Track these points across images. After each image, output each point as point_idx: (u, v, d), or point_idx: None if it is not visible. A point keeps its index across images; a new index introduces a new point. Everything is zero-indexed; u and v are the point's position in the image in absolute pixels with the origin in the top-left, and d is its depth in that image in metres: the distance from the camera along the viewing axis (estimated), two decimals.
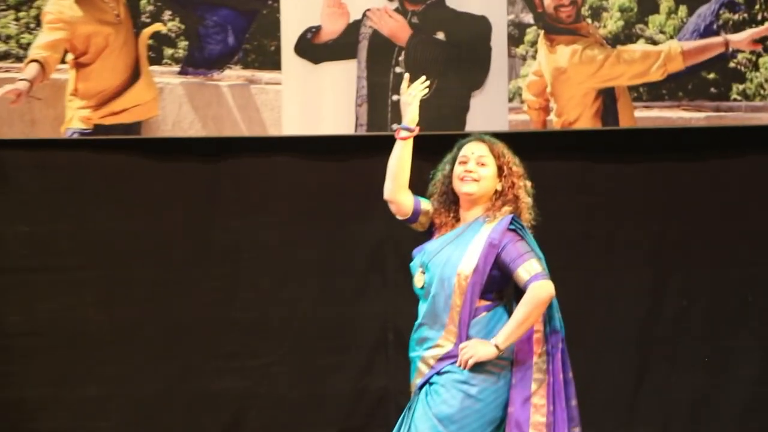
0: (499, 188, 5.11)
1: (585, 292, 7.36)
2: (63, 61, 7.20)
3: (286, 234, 6.90)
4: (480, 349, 4.97)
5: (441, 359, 5.02)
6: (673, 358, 7.40)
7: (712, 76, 7.23)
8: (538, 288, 4.92)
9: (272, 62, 7.22)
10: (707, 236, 7.32)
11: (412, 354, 5.14)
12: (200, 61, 7.23)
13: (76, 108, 7.18)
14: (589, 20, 7.22)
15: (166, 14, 7.25)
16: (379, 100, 7.26)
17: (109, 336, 7.11)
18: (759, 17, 7.23)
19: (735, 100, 7.24)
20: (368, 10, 7.14)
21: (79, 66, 7.16)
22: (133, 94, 7.19)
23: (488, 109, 6.98)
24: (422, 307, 5.08)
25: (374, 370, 7.27)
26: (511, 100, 7.19)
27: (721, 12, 7.21)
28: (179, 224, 6.87)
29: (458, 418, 4.98)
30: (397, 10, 7.18)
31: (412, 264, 5.18)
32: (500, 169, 5.09)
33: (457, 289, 5.03)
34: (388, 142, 6.88)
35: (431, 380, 5.05)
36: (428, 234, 5.23)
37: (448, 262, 5.05)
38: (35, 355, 7.19)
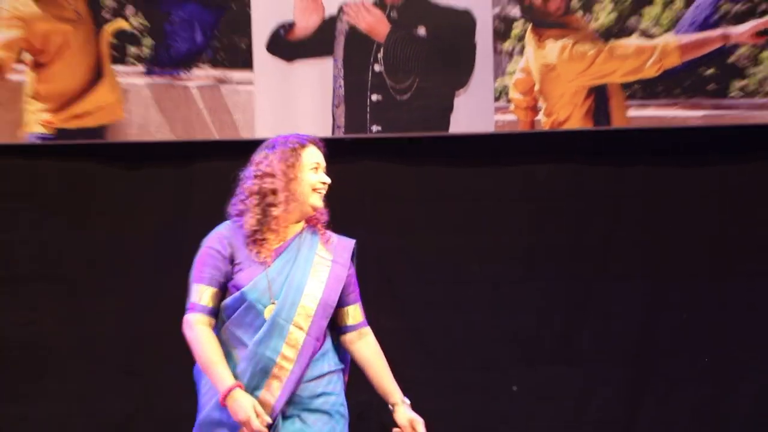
0: None
1: (577, 303, 7.13)
2: (20, 61, 7.03)
3: None
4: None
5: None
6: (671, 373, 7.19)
7: (710, 71, 7.04)
8: (373, 337, 5.06)
9: (243, 61, 7.07)
10: (708, 243, 7.18)
11: None
12: (167, 60, 7.07)
13: (35, 111, 7.04)
14: (579, 13, 7.05)
15: (129, 10, 7.06)
16: (357, 100, 7.10)
17: (69, 350, 6.96)
18: (761, 8, 7.08)
19: (735, 97, 7.10)
20: (345, 4, 7.02)
21: (37, 66, 7.00)
22: (96, 96, 7.02)
23: (473, 109, 6.86)
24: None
25: None
26: (497, 99, 7.02)
27: (720, 3, 7.03)
28: (149, 233, 6.73)
29: None
30: (375, 4, 7.04)
31: (254, 299, 4.91)
32: None
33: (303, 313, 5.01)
34: (367, 145, 7.00)
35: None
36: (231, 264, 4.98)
37: (293, 286, 4.95)
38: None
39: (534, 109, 7.02)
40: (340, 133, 7.03)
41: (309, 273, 4.90)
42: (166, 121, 7.00)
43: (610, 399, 7.22)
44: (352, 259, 5.00)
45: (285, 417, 4.95)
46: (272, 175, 4.89)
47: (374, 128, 7.06)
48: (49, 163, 6.99)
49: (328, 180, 4.96)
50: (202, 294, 4.85)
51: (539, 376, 7.30)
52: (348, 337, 5.02)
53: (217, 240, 4.87)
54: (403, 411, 4.97)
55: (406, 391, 5.11)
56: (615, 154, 7.03)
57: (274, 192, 4.87)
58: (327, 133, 6.94)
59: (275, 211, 4.85)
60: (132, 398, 7.00)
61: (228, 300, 4.86)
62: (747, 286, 7.15)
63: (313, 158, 4.89)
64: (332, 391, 4.97)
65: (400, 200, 6.75)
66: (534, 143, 7.01)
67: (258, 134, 6.94)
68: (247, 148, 6.56)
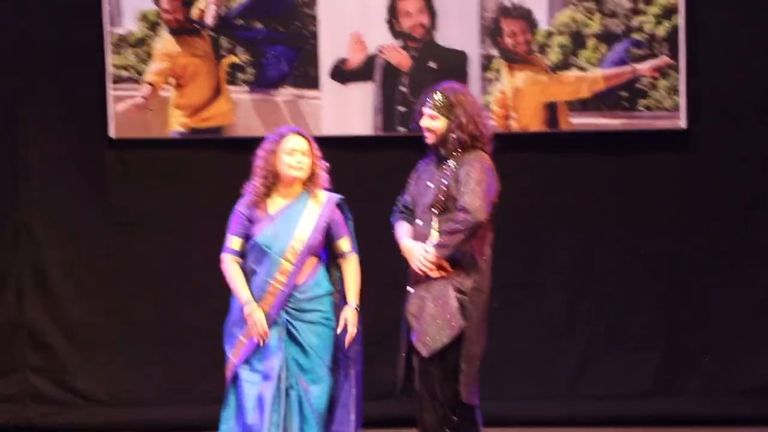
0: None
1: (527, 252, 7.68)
2: (167, 83, 7.78)
3: None
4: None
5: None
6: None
7: (624, 93, 7.76)
8: (357, 260, 5.69)
9: (314, 83, 7.75)
10: (627, 222, 7.77)
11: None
12: (263, 83, 7.74)
13: (176, 116, 7.77)
14: (537, 54, 7.75)
15: (239, 49, 7.81)
16: (389, 110, 7.77)
17: (195, 281, 7.51)
18: (656, 52, 7.73)
19: (641, 110, 7.74)
20: (381, 46, 7.73)
21: (178, 87, 7.74)
22: (216, 106, 7.75)
23: None
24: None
25: None
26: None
27: (630, 48, 7.73)
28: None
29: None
30: (402, 46, 7.75)
31: (261, 243, 5.54)
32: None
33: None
34: (397, 140, 7.60)
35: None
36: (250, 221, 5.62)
37: (287, 232, 5.56)
38: (148, 290, 7.75)
39: (507, 118, 7.75)
40: (378, 132, 7.78)
41: (298, 223, 5.59)
42: (262, 123, 7.74)
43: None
44: (341, 209, 5.63)
45: (286, 325, 5.66)
46: (260, 158, 5.65)
47: (400, 129, 7.79)
48: (185, 151, 7.87)
49: (300, 158, 5.49)
50: (232, 241, 5.67)
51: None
52: (339, 260, 5.78)
53: (242, 206, 5.67)
54: (347, 310, 5.67)
55: None
56: (562, 148, 7.81)
57: (260, 170, 5.65)
58: (369, 132, 7.74)
59: (258, 183, 5.62)
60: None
61: (248, 245, 5.68)
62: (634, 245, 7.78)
63: (288, 145, 5.55)
64: (320, 308, 5.68)
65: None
66: (507, 141, 6.78)
67: (323, 133, 7.59)
68: (316, 142, 6.40)
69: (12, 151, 7.77)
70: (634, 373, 7.70)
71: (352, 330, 5.60)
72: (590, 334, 7.79)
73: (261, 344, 5.49)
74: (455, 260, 5.63)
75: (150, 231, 7.75)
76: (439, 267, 5.65)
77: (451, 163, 5.63)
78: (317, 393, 5.58)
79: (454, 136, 5.59)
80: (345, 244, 5.71)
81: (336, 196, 5.64)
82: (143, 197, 7.76)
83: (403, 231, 5.75)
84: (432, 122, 5.68)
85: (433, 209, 5.68)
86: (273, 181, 5.58)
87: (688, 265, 7.76)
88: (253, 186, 5.60)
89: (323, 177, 5.65)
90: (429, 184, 5.71)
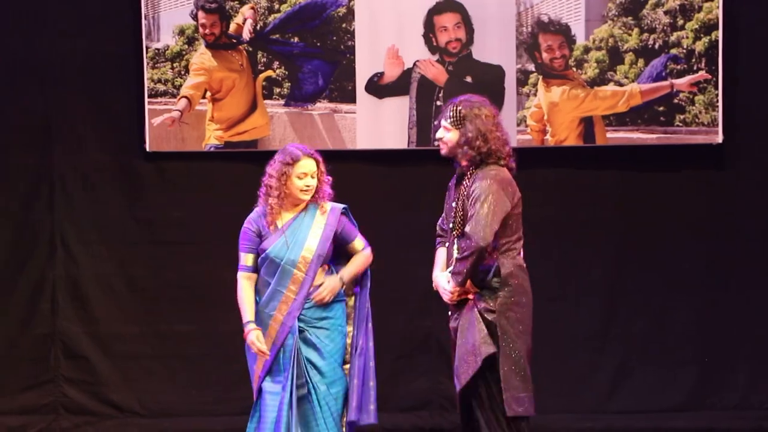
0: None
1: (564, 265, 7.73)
2: (203, 97, 7.80)
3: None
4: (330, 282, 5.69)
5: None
6: None
7: (661, 108, 7.76)
8: (371, 253, 5.82)
9: (349, 97, 7.78)
10: (662, 236, 7.78)
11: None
12: (299, 97, 7.76)
13: (212, 130, 7.79)
14: (574, 69, 7.77)
15: (275, 64, 7.82)
16: (425, 124, 7.77)
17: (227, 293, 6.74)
18: (695, 68, 7.73)
19: (678, 126, 7.74)
20: (417, 60, 7.75)
21: (214, 100, 7.77)
22: (252, 120, 7.77)
23: None
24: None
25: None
26: (518, 124, 7.73)
27: (668, 63, 7.73)
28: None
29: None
30: (438, 60, 7.75)
31: (272, 255, 5.63)
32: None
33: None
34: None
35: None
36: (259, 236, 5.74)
37: (297, 243, 5.67)
38: (182, 302, 7.84)
39: (543, 132, 7.76)
40: (413, 146, 7.80)
41: (308, 234, 5.72)
42: (297, 137, 7.75)
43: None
44: (347, 215, 5.76)
45: (299, 331, 5.76)
46: (273, 177, 5.76)
47: (436, 143, 6.52)
48: (221, 164, 7.81)
49: (312, 182, 5.66)
50: (245, 258, 5.77)
51: None
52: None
53: (250, 223, 5.78)
54: (332, 276, 5.75)
55: None
56: (598, 163, 7.85)
57: (273, 189, 5.75)
58: (404, 145, 7.77)
59: (273, 202, 5.73)
60: None
61: (260, 258, 5.78)
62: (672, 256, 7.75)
63: (300, 170, 5.70)
64: (332, 315, 5.79)
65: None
66: (543, 155, 7.74)
67: (358, 146, 7.73)
68: (350, 155, 7.51)
69: (49, 164, 7.85)
70: (669, 387, 7.73)
71: (324, 294, 5.69)
72: (624, 347, 7.81)
73: (290, 349, 5.66)
74: (480, 280, 5.64)
75: (184, 243, 7.82)
76: (466, 291, 5.67)
77: (466, 181, 5.65)
78: (334, 395, 5.70)
79: (462, 150, 5.59)
80: (358, 243, 5.85)
81: (339, 206, 5.77)
82: (178, 210, 7.83)
83: (437, 259, 5.82)
84: (445, 133, 5.69)
85: (453, 232, 5.74)
86: (284, 200, 5.73)
87: (724, 279, 7.79)
88: (266, 204, 5.74)
89: (327, 192, 5.81)
90: (452, 204, 5.76)
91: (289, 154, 5.70)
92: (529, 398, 5.60)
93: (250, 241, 5.76)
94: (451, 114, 5.65)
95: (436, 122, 5.86)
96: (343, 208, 5.77)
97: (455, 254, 5.61)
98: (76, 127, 7.82)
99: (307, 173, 5.68)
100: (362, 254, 5.80)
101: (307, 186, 5.66)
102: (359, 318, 5.81)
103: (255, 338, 5.65)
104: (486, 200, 5.51)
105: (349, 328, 5.83)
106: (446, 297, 5.65)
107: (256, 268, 5.75)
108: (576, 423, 7.72)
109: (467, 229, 5.54)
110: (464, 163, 5.63)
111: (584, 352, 7.74)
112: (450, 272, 5.66)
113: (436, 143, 5.77)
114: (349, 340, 5.83)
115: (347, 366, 5.83)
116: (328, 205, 5.72)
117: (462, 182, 5.68)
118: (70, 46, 7.78)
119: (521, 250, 5.73)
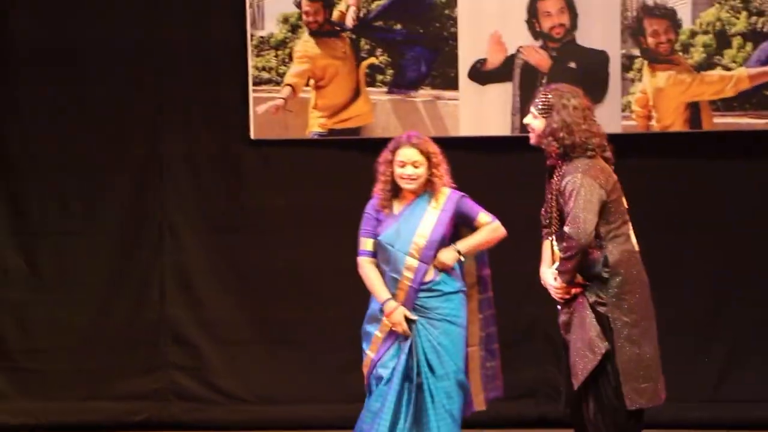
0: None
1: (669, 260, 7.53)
2: (307, 85, 7.89)
3: None
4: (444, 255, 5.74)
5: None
6: None
7: None
8: (499, 226, 5.84)
9: (452, 84, 7.81)
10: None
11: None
12: (401, 84, 7.85)
13: (316, 117, 7.89)
14: (681, 53, 7.73)
15: (378, 51, 7.91)
16: (527, 111, 6.43)
17: (334, 280, 7.61)
18: None
19: None
20: (521, 46, 7.76)
21: (318, 88, 7.86)
22: (355, 107, 7.86)
23: (607, 117, 7.30)
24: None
25: None
26: (623, 110, 7.72)
27: None
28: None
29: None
30: (541, 46, 7.77)
31: (386, 242, 5.74)
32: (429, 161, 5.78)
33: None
34: None
35: None
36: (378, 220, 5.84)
37: (410, 230, 5.76)
38: (276, 287, 7.91)
39: (649, 117, 7.75)
40: (516, 133, 7.74)
41: (420, 220, 5.78)
42: (400, 124, 7.82)
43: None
44: (465, 197, 5.78)
45: (417, 322, 5.87)
46: (381, 164, 5.89)
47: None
48: (324, 151, 7.95)
49: (411, 171, 5.71)
50: (365, 243, 5.90)
51: None
52: None
53: (370, 207, 5.89)
54: (446, 251, 5.77)
55: None
56: (705, 149, 7.77)
57: (381, 175, 5.90)
58: (507, 132, 7.77)
59: (380, 188, 5.87)
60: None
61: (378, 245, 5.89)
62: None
63: (399, 157, 5.79)
64: (448, 306, 5.82)
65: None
66: (648, 141, 7.70)
67: (461, 133, 7.74)
68: (453, 142, 7.15)
69: (156, 153, 7.96)
70: None
71: (436, 262, 5.74)
72: (734, 337, 7.75)
73: (404, 337, 5.70)
74: (589, 272, 5.57)
75: (289, 230, 7.90)
76: (574, 286, 5.63)
77: (555, 176, 5.61)
78: (447, 390, 5.73)
79: (546, 141, 5.54)
80: (483, 217, 5.86)
81: (457, 193, 5.82)
82: (282, 197, 7.92)
83: (543, 253, 5.79)
84: (532, 120, 5.66)
85: (552, 228, 5.73)
86: (393, 187, 5.83)
87: None
88: (378, 190, 5.86)
89: (444, 180, 5.84)
90: (548, 196, 5.73)
91: (395, 141, 5.82)
92: (653, 388, 5.51)
93: (371, 225, 5.86)
94: (541, 102, 5.60)
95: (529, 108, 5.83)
96: (460, 196, 5.86)
97: (557, 251, 5.60)
98: (182, 115, 7.93)
99: (405, 162, 5.75)
100: (487, 227, 5.81)
101: (407, 175, 5.74)
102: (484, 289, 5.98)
103: (399, 317, 5.70)
104: (578, 195, 5.46)
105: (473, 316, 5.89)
106: (554, 294, 5.61)
107: (375, 253, 5.86)
108: (686, 412, 7.66)
109: (566, 229, 5.50)
110: (551, 155, 5.59)
111: (693, 341, 7.70)
112: (556, 269, 5.62)
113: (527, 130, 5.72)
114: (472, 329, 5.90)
115: (471, 348, 5.88)
116: (444, 192, 5.77)
117: (553, 177, 5.64)
118: (175, 34, 7.88)
119: (630, 234, 5.62)
